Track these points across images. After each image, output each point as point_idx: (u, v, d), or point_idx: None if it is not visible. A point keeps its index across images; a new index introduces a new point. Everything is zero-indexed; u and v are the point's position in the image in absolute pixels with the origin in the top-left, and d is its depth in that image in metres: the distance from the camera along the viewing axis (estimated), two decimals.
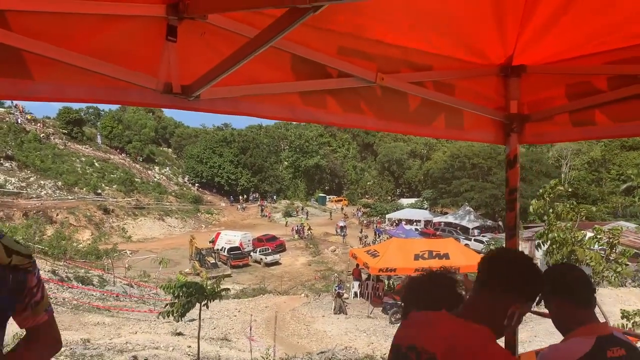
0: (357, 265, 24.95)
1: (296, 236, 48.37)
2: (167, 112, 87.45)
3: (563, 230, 7.43)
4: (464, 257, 23.08)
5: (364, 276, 25.49)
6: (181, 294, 8.27)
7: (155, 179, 67.58)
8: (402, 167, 75.34)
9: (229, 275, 35.49)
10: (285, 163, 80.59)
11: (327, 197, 75.07)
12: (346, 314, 22.74)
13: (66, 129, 65.15)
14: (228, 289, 9.71)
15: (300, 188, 77.20)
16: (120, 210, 52.22)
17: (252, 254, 40.23)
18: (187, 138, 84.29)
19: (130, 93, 1.81)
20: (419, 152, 77.40)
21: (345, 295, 24.59)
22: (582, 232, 7.39)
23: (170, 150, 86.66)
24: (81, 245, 37.08)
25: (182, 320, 7.56)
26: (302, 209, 62.88)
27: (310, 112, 2.18)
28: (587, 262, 7.39)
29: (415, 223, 54.42)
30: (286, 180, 78.30)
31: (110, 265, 32.42)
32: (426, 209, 61.54)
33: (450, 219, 52.17)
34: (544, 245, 7.83)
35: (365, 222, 58.60)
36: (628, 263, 32.80)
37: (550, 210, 7.77)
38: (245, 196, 70.15)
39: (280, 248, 42.95)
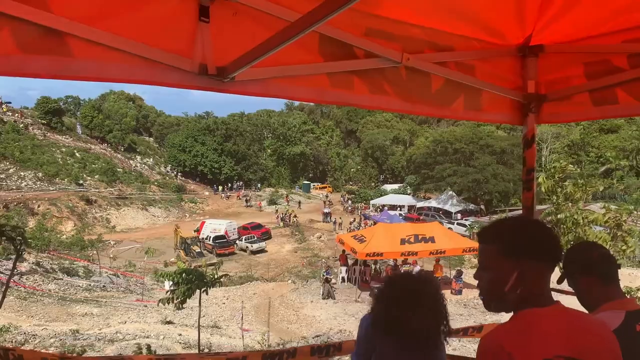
0: (344, 250, 25.08)
1: (281, 224, 48.37)
2: (148, 101, 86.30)
3: (571, 210, 7.52)
4: (448, 240, 23.39)
5: (350, 262, 25.64)
6: (181, 281, 8.23)
7: (138, 169, 66.81)
8: (385, 154, 75.54)
9: (215, 264, 35.37)
10: (269, 151, 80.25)
11: (312, 184, 75.11)
12: (334, 298, 22.89)
13: (45, 119, 63.87)
14: (228, 275, 9.76)
15: (284, 176, 77.04)
16: (103, 201, 51.60)
17: (237, 242, 40.17)
18: (168, 127, 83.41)
19: (169, 74, 1.79)
20: (402, 138, 77.67)
21: (333, 281, 24.75)
22: (591, 211, 7.49)
23: (152, 139, 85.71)
24: (64, 236, 36.60)
25: (182, 307, 7.56)
26: (287, 197, 62.84)
27: (337, 94, 2.17)
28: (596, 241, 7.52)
29: (399, 208, 54.78)
30: (270, 168, 78.04)
31: (96, 255, 32.08)
32: (410, 194, 61.92)
33: (433, 203, 52.62)
34: (554, 226, 7.90)
35: (349, 208, 58.87)
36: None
37: (560, 190, 7.85)
38: (229, 185, 69.81)
39: (266, 236, 42.96)
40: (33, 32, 1.53)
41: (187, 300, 8.73)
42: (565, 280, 2.37)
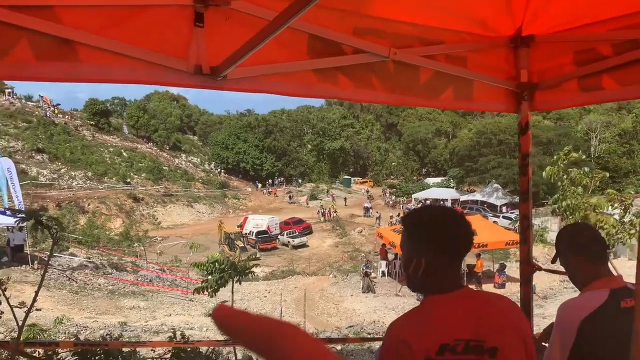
0: (384, 244, 25.11)
1: (322, 219, 48.70)
2: (192, 100, 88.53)
3: (576, 196, 7.43)
4: (491, 233, 23.05)
5: (390, 256, 25.64)
6: (214, 270, 8.58)
7: (182, 167, 68.65)
8: (427, 147, 74.69)
9: (257, 259, 36.04)
10: (309, 146, 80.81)
11: (352, 179, 75.17)
12: (374, 292, 22.99)
13: (93, 120, 66.46)
14: (258, 264, 10.01)
15: (324, 171, 77.45)
16: (150, 198, 53.25)
17: (279, 237, 40.74)
18: (211, 125, 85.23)
19: (167, 74, 2.00)
20: (445, 130, 76.54)
21: (373, 275, 24.81)
22: (596, 197, 7.38)
23: (195, 137, 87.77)
24: (113, 233, 38.10)
25: (215, 296, 7.86)
26: (327, 192, 63.15)
27: (323, 88, 2.34)
28: (601, 226, 7.40)
29: (442, 202, 54.13)
30: (310, 163, 78.62)
31: (143, 251, 33.28)
32: (453, 187, 61.11)
33: (477, 196, 51.74)
34: (559, 211, 7.85)
35: (391, 202, 58.60)
36: None
37: (565, 177, 7.75)
38: (270, 180, 70.77)
39: (307, 230, 43.36)
40: (47, 42, 1.77)
41: (233, 288, 9.09)
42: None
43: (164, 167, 64.04)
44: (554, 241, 2.48)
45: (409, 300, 21.14)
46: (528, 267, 2.90)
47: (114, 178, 55.19)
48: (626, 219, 7.56)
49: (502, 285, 22.77)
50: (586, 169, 8.19)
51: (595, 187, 7.69)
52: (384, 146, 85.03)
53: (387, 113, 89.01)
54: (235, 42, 2.05)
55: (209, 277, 8.46)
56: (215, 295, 8.28)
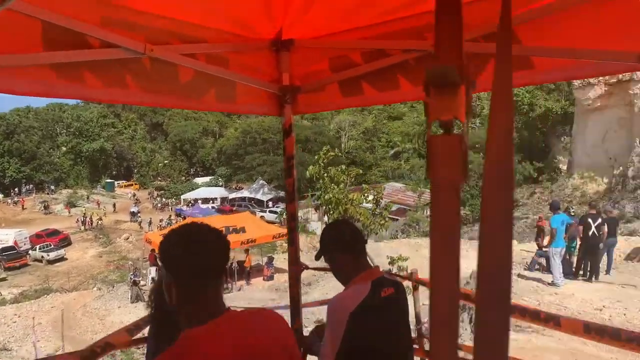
0: (153, 250, 24.01)
1: (82, 227, 44.32)
2: None
3: (336, 191, 8.23)
4: (259, 229, 23.99)
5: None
6: None
7: None
8: (194, 146, 73.96)
9: (3, 279, 31.21)
10: (64, 148, 72.47)
11: (116, 182, 70.17)
12: (144, 301, 21.79)
13: None
14: None
15: (83, 175, 70.44)
16: None
17: (30, 252, 35.78)
18: None
19: None
20: (212, 129, 76.80)
21: (143, 283, 23.57)
22: (355, 193, 8.31)
23: None
24: None
25: None
26: (88, 198, 57.70)
27: (66, 86, 1.98)
28: (358, 218, 8.36)
29: (212, 201, 54.30)
30: (66, 167, 70.53)
31: None
32: (222, 186, 61.77)
33: (245, 193, 53.31)
34: (322, 206, 8.59)
35: (160, 205, 56.49)
36: (397, 218, 37.53)
37: (325, 175, 8.50)
38: (17, 189, 61.39)
39: (65, 242, 38.99)
40: None
41: None
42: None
43: None
44: (317, 232, 2.58)
45: None
46: (296, 267, 2.98)
47: None
48: (377, 212, 8.63)
49: (271, 277, 23.90)
50: (343, 166, 9.07)
51: (350, 183, 8.57)
52: (149, 146, 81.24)
53: (152, 112, 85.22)
54: None
55: None
56: None
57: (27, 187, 63.18)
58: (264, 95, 2.86)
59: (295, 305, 2.93)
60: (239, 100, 2.74)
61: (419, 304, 3.95)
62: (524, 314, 2.63)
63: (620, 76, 28.94)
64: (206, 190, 58.58)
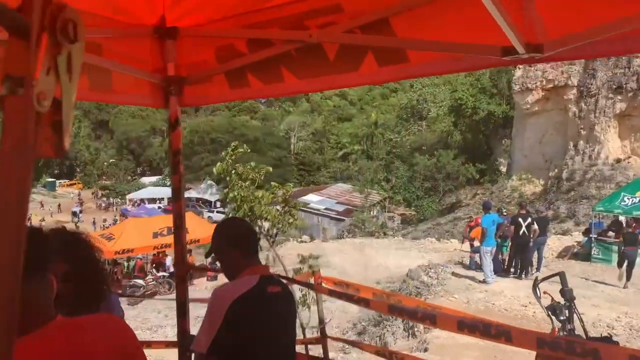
0: None
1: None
2: None
3: (243, 188, 8.18)
4: (202, 228, 23.52)
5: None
6: None
7: None
8: (142, 145, 72.08)
9: None
10: None
11: (58, 181, 67.46)
12: None
13: None
14: None
15: None
16: None
17: None
18: None
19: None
20: (160, 128, 75.08)
21: None
22: (262, 191, 8.32)
23: None
24: None
25: None
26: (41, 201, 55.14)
27: None
28: (266, 217, 8.35)
29: (158, 201, 53.08)
30: None
31: None
32: (169, 186, 60.37)
33: (193, 193, 52.38)
34: (227, 202, 8.58)
35: (104, 205, 54.74)
36: (343, 218, 37.66)
37: (233, 172, 8.44)
38: None
39: None
40: None
41: None
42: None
43: None
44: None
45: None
46: (182, 266, 2.87)
47: None
48: (285, 210, 8.64)
49: (215, 278, 23.56)
50: (252, 164, 9.01)
51: (260, 181, 8.53)
52: (94, 145, 78.58)
53: (97, 109, 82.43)
54: None
55: None
56: None
57: None
58: (146, 86, 2.72)
59: (181, 307, 2.82)
60: (117, 90, 2.58)
61: (321, 304, 3.91)
62: (402, 314, 2.62)
63: (556, 82, 30.21)
64: (154, 190, 57.24)
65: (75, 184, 68.09)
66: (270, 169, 9.20)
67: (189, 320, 2.83)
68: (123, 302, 19.36)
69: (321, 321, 3.81)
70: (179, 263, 2.86)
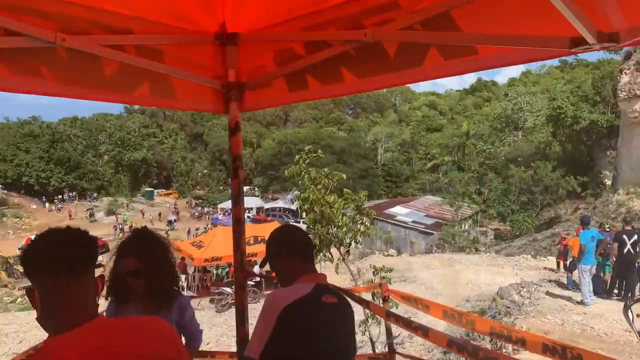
0: (182, 258, 24.26)
1: (120, 235, 45.41)
2: None
3: (314, 192, 8.08)
4: None
5: (190, 269, 24.89)
6: None
7: None
8: None
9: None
10: (106, 157, 74.83)
11: (155, 191, 71.88)
12: None
13: None
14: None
15: (124, 183, 72.44)
16: None
17: None
18: None
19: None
20: (250, 140, 77.96)
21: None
22: (333, 195, 8.17)
23: None
24: None
25: None
26: (128, 206, 59.17)
27: None
28: (337, 224, 8.17)
29: (247, 211, 54.88)
30: (108, 176, 72.66)
31: None
32: (258, 196, 62.38)
33: (280, 204, 53.64)
34: (302, 205, 8.52)
35: (197, 214, 57.43)
36: (432, 232, 36.72)
37: (305, 175, 8.40)
38: (60, 196, 63.52)
39: (103, 249, 39.94)
40: None
41: None
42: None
43: None
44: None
45: (207, 313, 20.72)
46: (242, 273, 2.81)
47: None
48: (357, 218, 8.41)
49: None
50: (326, 169, 8.94)
51: (333, 188, 8.43)
52: (189, 156, 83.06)
53: (192, 122, 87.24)
54: None
55: None
56: None
57: (70, 194, 65.28)
58: (208, 92, 2.72)
59: (241, 314, 2.76)
60: (180, 97, 2.59)
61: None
62: (462, 350, 2.39)
63: None
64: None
65: (171, 193, 72.08)
66: (344, 176, 9.08)
67: (248, 328, 2.76)
68: (211, 308, 20.00)
69: (389, 335, 3.60)
70: (238, 270, 2.81)
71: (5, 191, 62.35)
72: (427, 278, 23.38)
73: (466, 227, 42.26)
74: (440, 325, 7.03)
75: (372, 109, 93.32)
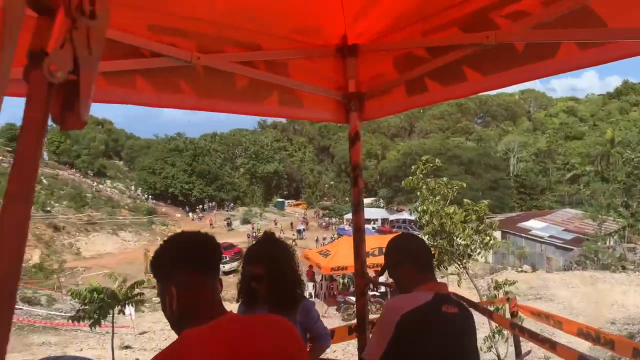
0: (310, 266, 24.97)
1: (253, 242, 47.96)
2: (119, 124, 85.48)
3: (433, 203, 7.74)
4: None
5: (318, 277, 25.52)
6: (92, 300, 8.04)
7: (107, 193, 65.81)
8: None
9: None
10: (242, 170, 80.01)
11: (286, 201, 75.00)
12: None
13: (10, 146, 62.63)
14: (143, 294, 9.56)
15: (257, 194, 76.76)
16: (72, 227, 50.53)
17: None
18: (138, 150, 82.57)
19: None
20: (374, 152, 78.36)
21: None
22: (454, 206, 7.73)
23: (121, 162, 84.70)
24: (29, 264, 35.69)
25: (94, 328, 7.37)
26: (261, 215, 62.45)
27: (115, 92, 2.10)
28: (458, 235, 7.71)
29: (372, 222, 54.97)
30: (243, 187, 77.59)
31: (59, 283, 31.36)
32: (383, 207, 62.31)
33: (405, 215, 52.96)
34: (421, 217, 8.20)
35: (324, 224, 58.83)
36: (571, 247, 33.83)
37: (423, 186, 8.08)
38: (201, 206, 69.04)
39: (238, 256, 42.50)
40: None
41: (114, 318, 8.30)
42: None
43: (87, 194, 61.10)
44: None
45: (334, 321, 21.05)
46: (362, 280, 2.84)
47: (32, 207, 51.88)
48: (480, 229, 7.90)
49: None
50: (445, 178, 8.55)
51: (452, 197, 8.04)
52: (317, 168, 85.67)
53: (320, 136, 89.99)
54: None
55: (86, 306, 7.93)
56: (95, 327, 7.74)
57: (210, 204, 70.61)
58: (329, 102, 2.81)
59: (362, 320, 2.79)
60: (306, 106, 2.72)
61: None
62: None
63: None
64: (368, 210, 59.34)
65: (300, 204, 74.73)
66: (464, 184, 8.74)
67: (368, 335, 2.79)
68: (337, 317, 20.30)
69: (518, 353, 3.39)
70: (358, 277, 2.85)
71: (154, 201, 69.28)
72: (566, 297, 21.62)
73: (611, 243, 38.23)
74: (583, 345, 6.47)
75: (503, 117, 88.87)
